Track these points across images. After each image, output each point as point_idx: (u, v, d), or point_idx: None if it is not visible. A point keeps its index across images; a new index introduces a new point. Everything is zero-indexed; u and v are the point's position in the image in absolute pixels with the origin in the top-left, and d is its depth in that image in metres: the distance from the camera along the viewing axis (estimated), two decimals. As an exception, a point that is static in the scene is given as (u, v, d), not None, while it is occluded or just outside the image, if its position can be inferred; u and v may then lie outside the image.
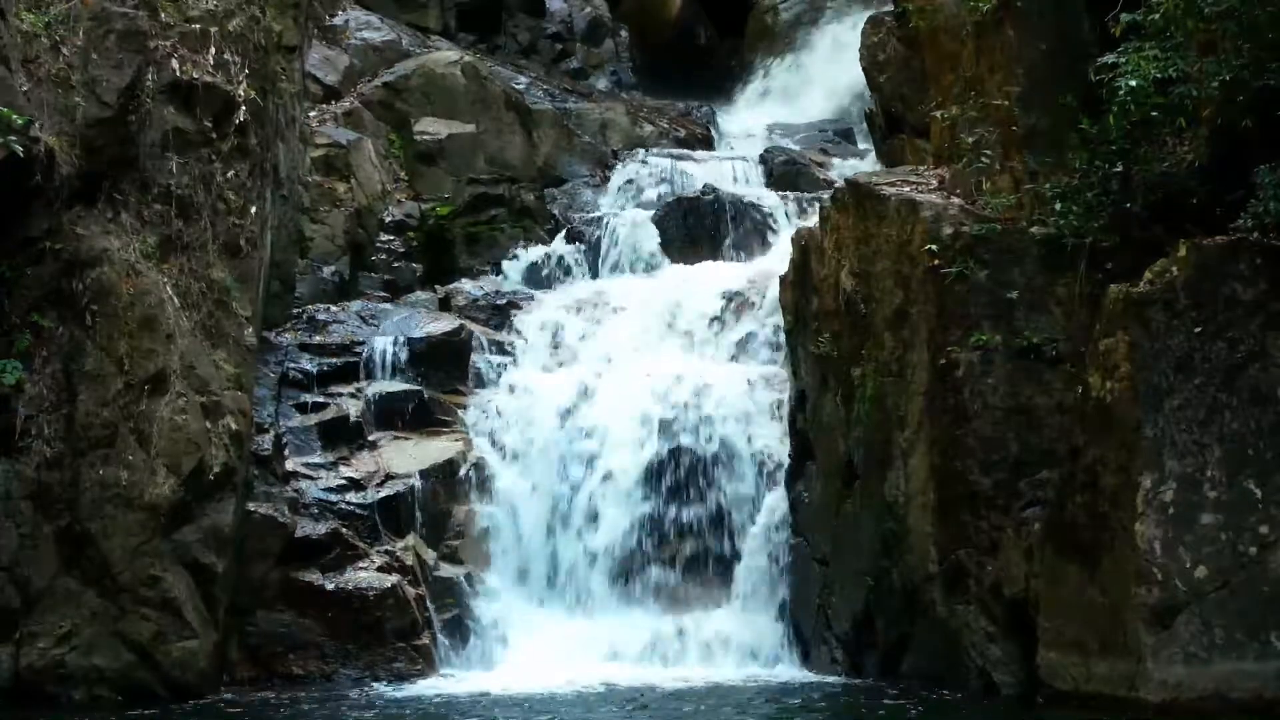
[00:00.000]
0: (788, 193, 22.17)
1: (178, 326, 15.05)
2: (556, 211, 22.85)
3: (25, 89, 14.54)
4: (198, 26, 15.87)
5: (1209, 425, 12.82)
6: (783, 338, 18.05)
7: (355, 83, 23.70)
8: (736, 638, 16.68)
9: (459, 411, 17.93)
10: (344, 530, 16.15)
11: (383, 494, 16.62)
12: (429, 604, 16.15)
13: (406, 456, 17.11)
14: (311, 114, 21.81)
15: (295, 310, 18.85)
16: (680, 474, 17.38)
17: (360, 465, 16.97)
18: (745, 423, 17.68)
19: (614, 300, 19.97)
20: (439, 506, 16.92)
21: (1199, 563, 12.66)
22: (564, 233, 22.02)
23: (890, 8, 21.06)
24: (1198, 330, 12.89)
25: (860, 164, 23.36)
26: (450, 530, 16.94)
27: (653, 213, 21.82)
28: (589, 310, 19.81)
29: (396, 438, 17.40)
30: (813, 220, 17.88)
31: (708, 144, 25.55)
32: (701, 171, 23.03)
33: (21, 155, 14.09)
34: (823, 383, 16.60)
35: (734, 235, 21.41)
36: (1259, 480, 12.77)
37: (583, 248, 21.47)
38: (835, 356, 16.30)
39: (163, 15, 15.67)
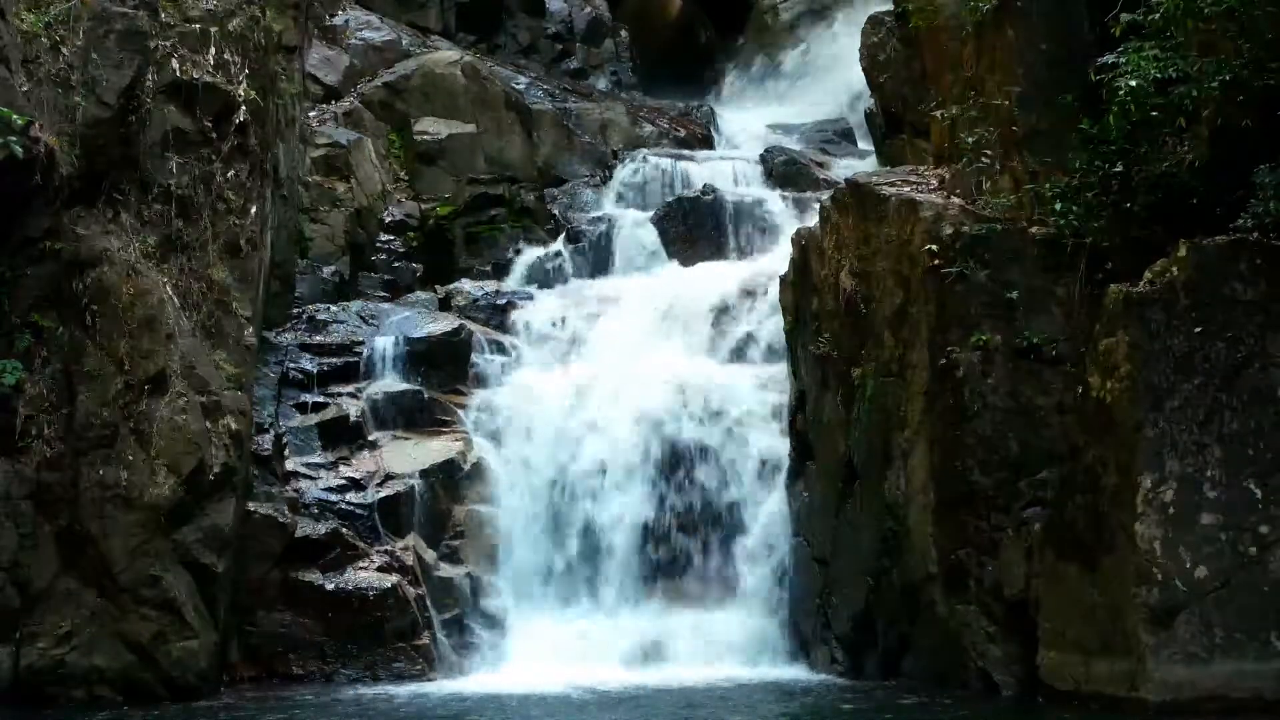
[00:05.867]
0: (788, 193, 22.16)
1: (178, 326, 15.05)
2: (556, 211, 22.85)
3: (25, 89, 14.55)
4: (198, 26, 15.88)
5: (1209, 425, 12.83)
6: (782, 338, 18.04)
7: (355, 83, 23.71)
8: (737, 638, 16.68)
9: (459, 411, 17.93)
10: (344, 530, 16.16)
11: (383, 494, 16.63)
12: (429, 604, 16.15)
13: (406, 456, 17.11)
14: (311, 114, 21.82)
15: (295, 310, 18.85)
16: (680, 474, 17.39)
17: (360, 465, 16.97)
18: (745, 423, 17.68)
19: (614, 300, 19.96)
20: (439, 506, 16.92)
21: (1199, 563, 12.66)
22: (564, 233, 22.02)
23: (890, 7, 21.04)
24: (1198, 330, 12.89)
25: (860, 164, 23.33)
26: (450, 530, 16.94)
27: (652, 213, 21.84)
28: (589, 310, 19.79)
29: (396, 438, 17.40)
30: (813, 220, 17.87)
31: (708, 144, 25.54)
32: (701, 171, 23.03)
33: (21, 155, 14.09)
34: (823, 383, 16.60)
35: (734, 235, 21.40)
36: (1259, 480, 12.77)
37: (583, 248, 21.46)
38: (835, 356, 16.30)
39: (163, 15, 15.69)
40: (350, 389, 17.77)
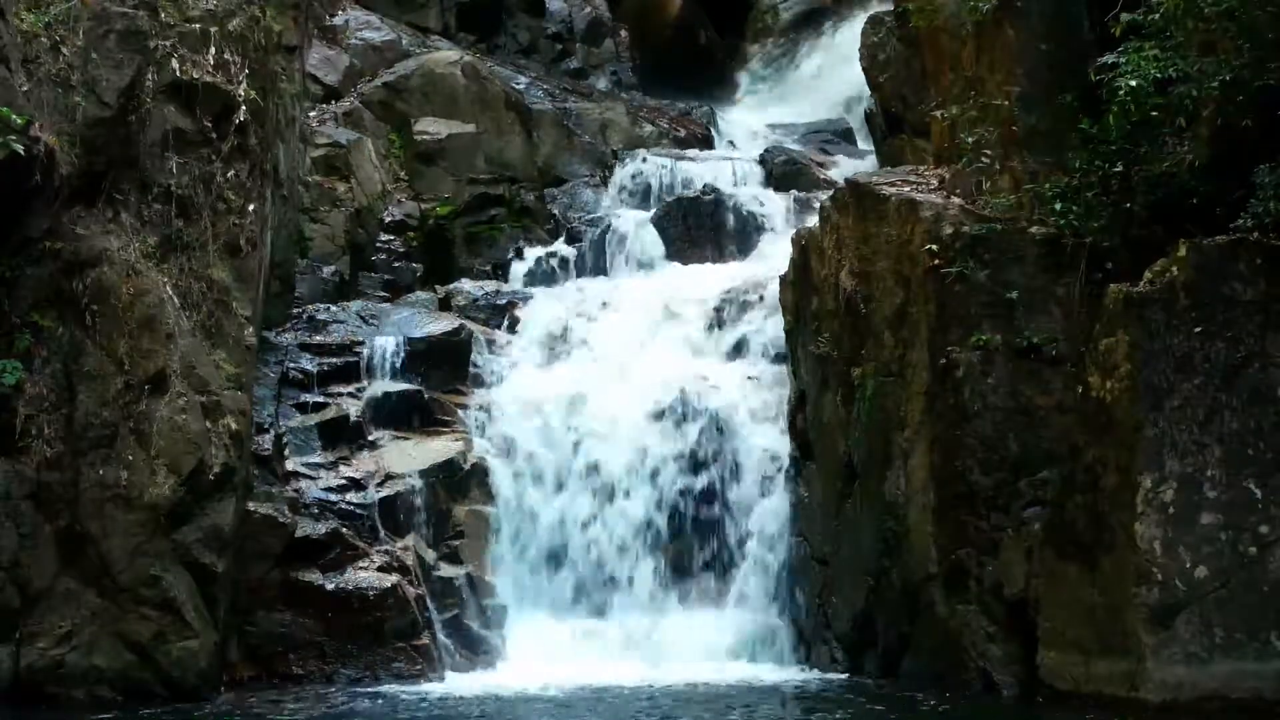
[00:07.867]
0: (788, 193, 22.16)
1: (178, 326, 15.04)
2: (556, 211, 22.86)
3: (25, 89, 14.53)
4: (198, 26, 15.85)
5: (1209, 425, 12.83)
6: (782, 338, 18.05)
7: (355, 83, 23.72)
8: (737, 637, 16.69)
9: (459, 411, 17.93)
10: (344, 530, 16.15)
11: (383, 494, 16.62)
12: (429, 604, 16.15)
13: (406, 456, 17.11)
14: (311, 114, 21.82)
15: (295, 310, 18.84)
16: (679, 474, 17.39)
17: (360, 465, 16.96)
18: (745, 423, 17.68)
19: (614, 300, 19.96)
20: (439, 506, 16.91)
21: (1199, 563, 12.67)
22: (564, 233, 22.02)
23: (890, 7, 21.04)
24: (1198, 330, 12.90)
25: (860, 164, 23.35)
26: (450, 530, 16.94)
27: (652, 213, 21.84)
28: (589, 310, 19.80)
29: (396, 438, 17.40)
30: (813, 220, 17.88)
31: (708, 144, 25.55)
32: (701, 171, 23.02)
33: (21, 155, 14.09)
34: (823, 383, 16.60)
35: (734, 235, 21.40)
36: (1259, 480, 12.78)
37: (583, 248, 21.46)
38: (835, 356, 16.31)
39: (163, 15, 15.66)
40: (350, 389, 17.76)
